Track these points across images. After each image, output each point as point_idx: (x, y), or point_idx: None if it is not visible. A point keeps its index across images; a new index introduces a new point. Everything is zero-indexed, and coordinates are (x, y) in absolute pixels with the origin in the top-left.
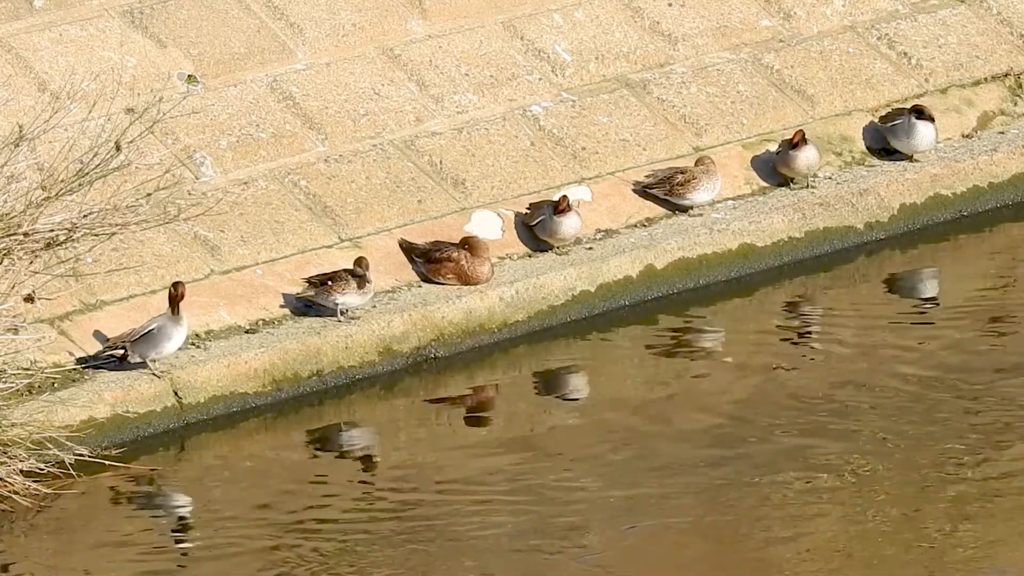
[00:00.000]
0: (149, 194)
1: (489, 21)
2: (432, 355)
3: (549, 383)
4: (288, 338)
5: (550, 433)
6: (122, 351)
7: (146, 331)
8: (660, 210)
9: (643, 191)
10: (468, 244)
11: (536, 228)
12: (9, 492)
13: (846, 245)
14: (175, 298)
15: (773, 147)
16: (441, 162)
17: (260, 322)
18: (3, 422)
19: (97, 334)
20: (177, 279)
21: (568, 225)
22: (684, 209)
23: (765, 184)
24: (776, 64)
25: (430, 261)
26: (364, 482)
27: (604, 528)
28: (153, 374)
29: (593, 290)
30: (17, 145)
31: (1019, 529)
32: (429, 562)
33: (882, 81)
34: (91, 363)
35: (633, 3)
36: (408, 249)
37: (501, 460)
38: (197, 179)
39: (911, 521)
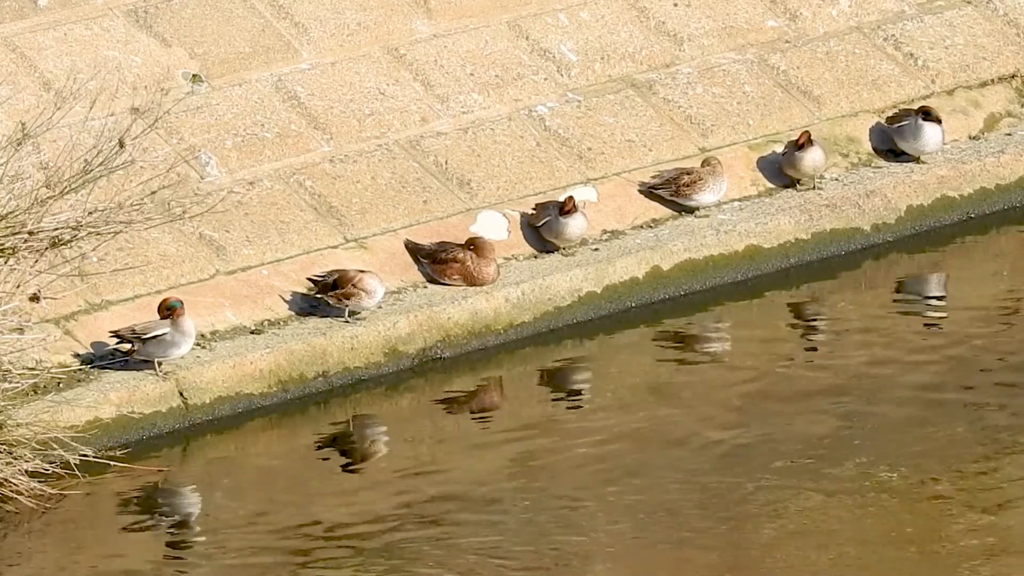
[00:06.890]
0: (154, 192)
1: (494, 21)
2: (438, 356)
3: (555, 384)
4: (294, 339)
5: (556, 434)
6: (130, 344)
7: (157, 333)
8: (666, 211)
9: (649, 192)
10: (474, 245)
11: (542, 229)
12: (14, 493)
13: (853, 247)
14: (165, 313)
15: (779, 148)
16: (447, 162)
17: (266, 323)
18: (8, 422)
19: (102, 334)
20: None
21: (574, 226)
22: (690, 210)
23: (771, 185)
24: (782, 65)
25: (436, 262)
26: (369, 483)
27: (611, 529)
28: (158, 376)
29: (599, 291)
30: (21, 143)
31: None
32: (434, 563)
33: (888, 82)
34: (96, 360)
35: (639, 3)
36: (414, 250)
37: (506, 461)
38: (202, 178)
39: (919, 525)
